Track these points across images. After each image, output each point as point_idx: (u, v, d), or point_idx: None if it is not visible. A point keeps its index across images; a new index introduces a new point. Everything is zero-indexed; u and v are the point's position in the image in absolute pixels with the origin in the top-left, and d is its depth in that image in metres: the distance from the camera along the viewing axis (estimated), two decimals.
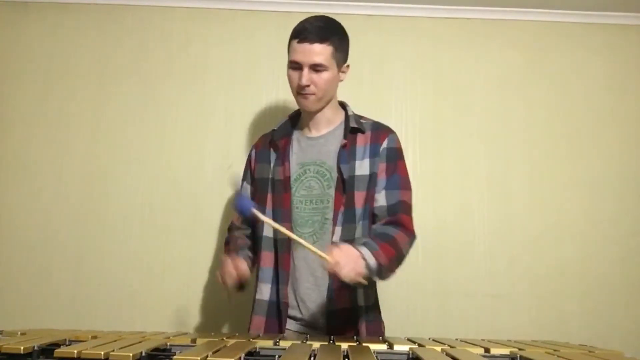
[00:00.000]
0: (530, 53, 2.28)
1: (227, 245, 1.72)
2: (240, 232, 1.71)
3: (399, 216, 1.52)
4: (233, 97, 2.22)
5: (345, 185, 1.53)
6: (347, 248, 1.35)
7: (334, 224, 1.52)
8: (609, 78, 2.27)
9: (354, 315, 1.54)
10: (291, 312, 1.55)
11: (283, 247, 1.56)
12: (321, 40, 1.51)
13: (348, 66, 1.63)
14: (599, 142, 2.23)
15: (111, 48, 2.25)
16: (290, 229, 1.52)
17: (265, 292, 1.57)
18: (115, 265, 2.11)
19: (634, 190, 2.19)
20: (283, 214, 1.56)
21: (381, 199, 1.54)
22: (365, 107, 2.15)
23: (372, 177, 1.55)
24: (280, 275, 1.54)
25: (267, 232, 1.59)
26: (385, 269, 1.42)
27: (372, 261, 1.36)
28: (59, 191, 2.15)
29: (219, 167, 2.17)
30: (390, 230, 1.49)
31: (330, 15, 1.63)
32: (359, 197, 1.54)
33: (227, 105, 2.21)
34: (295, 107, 1.67)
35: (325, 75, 1.53)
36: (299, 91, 1.55)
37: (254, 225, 1.66)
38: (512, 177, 2.20)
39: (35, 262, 2.11)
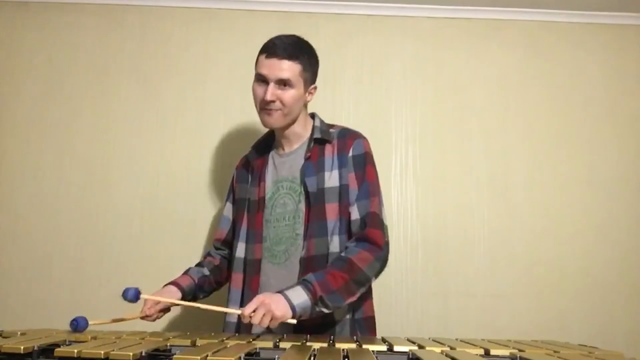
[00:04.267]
0: (530, 53, 2.28)
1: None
2: (216, 252, 1.73)
3: (366, 232, 1.47)
4: (233, 97, 2.22)
5: (310, 198, 1.50)
6: (259, 298, 1.31)
7: (304, 239, 1.50)
8: (608, 78, 2.27)
9: (330, 328, 1.48)
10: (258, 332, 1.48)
11: (252, 269, 1.55)
12: (289, 57, 1.50)
13: (315, 88, 1.61)
14: (599, 142, 2.23)
15: (111, 48, 2.25)
16: (263, 248, 1.54)
17: (233, 315, 1.53)
18: (115, 265, 2.11)
19: (634, 190, 2.19)
20: (255, 234, 1.56)
21: (354, 212, 1.50)
22: (365, 108, 2.16)
23: (343, 189, 1.51)
24: (246, 298, 1.51)
25: (239, 254, 1.59)
26: (332, 299, 1.38)
27: (302, 300, 1.33)
28: (59, 191, 2.15)
29: (219, 167, 2.17)
30: (351, 251, 1.45)
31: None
32: (331, 209, 1.50)
33: (227, 105, 2.22)
34: None
35: (291, 92, 1.51)
36: (263, 106, 1.52)
37: (231, 246, 1.66)
38: (512, 177, 2.20)
39: (35, 262, 2.11)
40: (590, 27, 2.29)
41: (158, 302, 1.51)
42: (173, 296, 1.55)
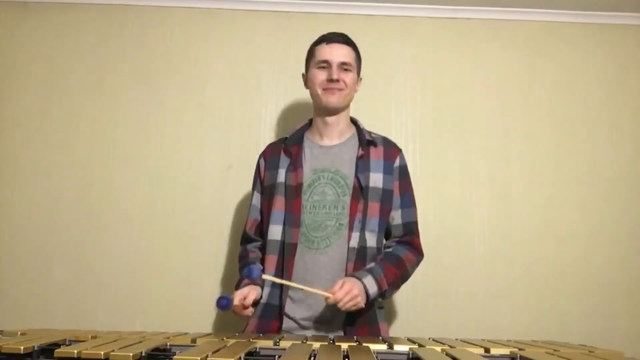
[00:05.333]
0: (530, 53, 2.28)
1: (241, 261, 1.71)
2: (254, 246, 1.72)
3: (412, 238, 1.66)
4: (233, 97, 2.22)
5: (359, 193, 1.59)
6: (349, 284, 1.44)
7: (350, 230, 1.57)
8: (608, 78, 2.27)
9: (371, 316, 1.57)
10: (292, 313, 1.56)
11: (289, 252, 1.57)
12: (347, 43, 1.65)
13: (361, 79, 1.73)
14: (599, 141, 2.23)
15: (111, 48, 2.25)
16: (299, 233, 1.57)
17: (263, 294, 1.59)
18: (115, 265, 2.11)
19: (634, 190, 2.19)
20: (293, 219, 1.59)
21: (397, 217, 1.65)
22: (365, 107, 2.16)
23: (386, 193, 1.63)
24: (285, 279, 1.54)
25: (274, 236, 1.61)
26: (388, 291, 1.56)
27: (373, 290, 1.49)
28: (59, 191, 2.15)
29: (219, 167, 2.17)
30: (400, 250, 1.63)
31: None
32: (373, 207, 1.61)
33: (227, 104, 2.22)
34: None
35: (351, 74, 1.64)
36: (327, 86, 1.61)
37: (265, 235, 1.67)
38: (512, 177, 2.20)
39: (35, 262, 2.11)
40: (590, 27, 2.29)
41: (245, 298, 1.50)
42: (257, 290, 1.56)
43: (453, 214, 2.17)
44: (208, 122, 2.20)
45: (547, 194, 2.19)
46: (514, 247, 2.15)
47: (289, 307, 1.56)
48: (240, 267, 1.69)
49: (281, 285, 1.56)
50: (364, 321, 1.54)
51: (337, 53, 1.62)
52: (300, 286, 1.47)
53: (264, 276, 1.46)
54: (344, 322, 1.53)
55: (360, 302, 1.45)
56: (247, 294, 1.50)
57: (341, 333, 1.54)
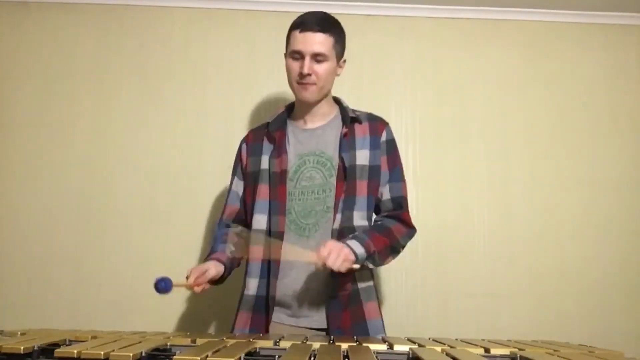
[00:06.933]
0: (530, 53, 2.28)
1: (216, 240, 1.67)
2: (230, 230, 1.67)
3: (401, 213, 1.62)
4: (233, 97, 2.22)
5: (346, 173, 1.56)
6: (331, 243, 1.41)
7: (335, 212, 1.54)
8: (608, 78, 2.27)
9: (353, 297, 1.54)
10: (282, 303, 1.54)
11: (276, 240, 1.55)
12: (323, 30, 1.54)
13: (345, 61, 1.65)
14: (599, 141, 2.23)
15: (111, 48, 2.25)
16: (289, 220, 1.55)
17: (252, 287, 1.56)
18: (115, 265, 2.11)
19: (634, 190, 2.20)
20: (279, 207, 1.56)
21: (385, 192, 1.62)
22: (365, 107, 2.16)
23: (373, 169, 1.59)
24: (272, 268, 1.53)
25: (258, 226, 1.58)
26: (378, 256, 1.52)
27: (360, 250, 1.45)
28: (59, 191, 2.15)
29: (219, 167, 2.17)
30: (388, 222, 1.60)
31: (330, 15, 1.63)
32: (360, 185, 1.57)
33: (227, 104, 2.22)
34: (293, 99, 1.66)
35: (325, 65, 1.55)
36: (299, 81, 1.56)
37: (244, 222, 1.65)
38: (512, 177, 2.20)
39: (35, 262, 2.11)
40: (590, 27, 2.30)
41: (204, 272, 1.47)
42: (218, 268, 1.52)
43: (453, 214, 2.17)
44: (208, 122, 2.20)
45: (547, 194, 2.19)
46: (514, 247, 2.15)
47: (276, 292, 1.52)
48: (213, 241, 1.66)
49: (268, 275, 1.53)
50: (347, 301, 1.52)
51: (310, 42, 1.52)
52: (288, 257, 1.48)
53: (176, 283, 1.37)
54: (330, 292, 1.50)
55: (350, 257, 1.40)
56: (207, 269, 1.46)
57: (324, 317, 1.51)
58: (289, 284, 1.54)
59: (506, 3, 2.24)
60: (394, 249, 1.59)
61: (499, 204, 2.18)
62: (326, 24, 1.56)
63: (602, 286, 2.13)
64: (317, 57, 1.54)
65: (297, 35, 1.54)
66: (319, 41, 1.53)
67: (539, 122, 2.24)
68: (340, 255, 1.38)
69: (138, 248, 2.12)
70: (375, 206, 1.63)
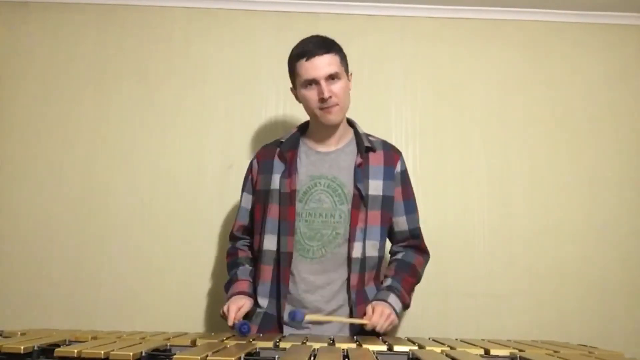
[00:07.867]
0: (530, 53, 2.28)
1: (230, 258, 1.74)
2: (242, 243, 1.74)
3: (418, 242, 1.70)
4: (233, 97, 2.22)
5: (359, 202, 1.57)
6: (380, 308, 1.49)
7: (352, 240, 1.56)
8: (608, 78, 2.27)
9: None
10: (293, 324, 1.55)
11: (285, 262, 1.56)
12: (328, 51, 1.55)
13: (351, 74, 1.66)
14: (599, 141, 2.23)
15: (111, 48, 2.25)
16: (294, 241, 1.57)
17: (262, 304, 1.60)
18: (115, 265, 2.11)
19: (634, 190, 2.19)
20: (288, 226, 1.56)
21: (402, 223, 1.67)
22: (365, 108, 2.16)
23: (386, 199, 1.61)
24: (282, 290, 1.55)
25: (269, 246, 1.60)
26: (409, 300, 1.64)
27: (399, 305, 1.57)
28: (59, 191, 2.15)
29: (219, 167, 2.17)
30: (410, 256, 1.68)
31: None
32: (373, 216, 1.60)
33: (227, 105, 2.21)
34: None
35: (340, 83, 1.56)
36: (322, 106, 1.55)
37: (253, 235, 1.69)
38: (512, 177, 2.20)
39: (35, 262, 2.11)
40: (590, 27, 2.29)
41: (240, 309, 1.52)
42: (250, 301, 1.59)
43: (453, 214, 2.17)
44: (208, 121, 2.20)
45: (547, 194, 2.19)
46: (514, 247, 2.15)
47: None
48: (229, 265, 1.72)
49: (278, 297, 1.56)
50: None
51: (321, 67, 1.53)
52: (338, 319, 1.53)
53: (308, 317, 1.48)
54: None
55: (395, 319, 1.51)
56: (242, 305, 1.53)
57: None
58: (302, 301, 1.57)
59: (506, 3, 2.24)
60: (418, 282, 1.70)
61: (499, 204, 2.18)
62: (328, 44, 1.57)
63: (602, 286, 2.13)
64: (331, 78, 1.54)
65: (305, 64, 1.54)
66: (328, 62, 1.54)
67: (539, 122, 2.24)
68: (387, 321, 1.48)
69: (138, 248, 2.12)
70: (390, 235, 1.69)
